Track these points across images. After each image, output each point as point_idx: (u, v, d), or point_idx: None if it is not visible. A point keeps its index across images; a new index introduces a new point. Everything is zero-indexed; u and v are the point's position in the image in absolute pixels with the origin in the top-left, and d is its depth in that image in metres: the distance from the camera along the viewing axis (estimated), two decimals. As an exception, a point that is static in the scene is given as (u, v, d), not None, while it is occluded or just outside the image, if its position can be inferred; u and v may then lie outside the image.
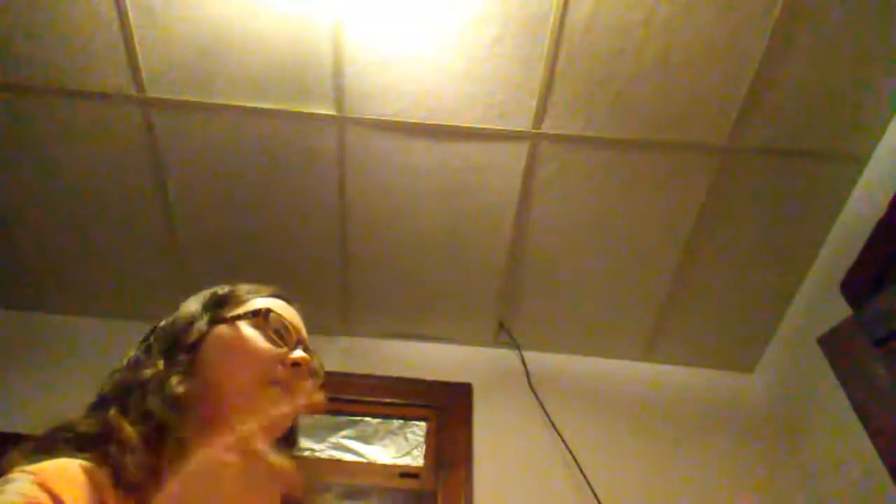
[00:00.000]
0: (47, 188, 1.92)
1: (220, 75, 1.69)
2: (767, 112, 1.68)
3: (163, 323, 0.86)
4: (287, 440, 0.88)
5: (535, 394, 2.03)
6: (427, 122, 1.75)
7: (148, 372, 0.79)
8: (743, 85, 1.64)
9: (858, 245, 1.65)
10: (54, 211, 1.97)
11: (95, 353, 2.04)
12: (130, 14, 1.61)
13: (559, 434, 1.93)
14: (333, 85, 1.70)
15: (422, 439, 2.00)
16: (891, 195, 1.57)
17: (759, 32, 1.57)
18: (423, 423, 2.03)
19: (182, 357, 0.81)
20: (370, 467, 1.92)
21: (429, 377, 2.09)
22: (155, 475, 0.70)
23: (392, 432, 2.01)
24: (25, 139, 1.83)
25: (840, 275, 1.70)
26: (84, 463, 0.68)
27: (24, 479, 0.64)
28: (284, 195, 1.91)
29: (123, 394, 0.78)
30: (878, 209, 1.61)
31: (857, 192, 1.77)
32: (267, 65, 1.67)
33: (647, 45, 1.61)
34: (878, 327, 1.42)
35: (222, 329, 0.84)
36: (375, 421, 2.03)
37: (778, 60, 1.61)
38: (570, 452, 1.89)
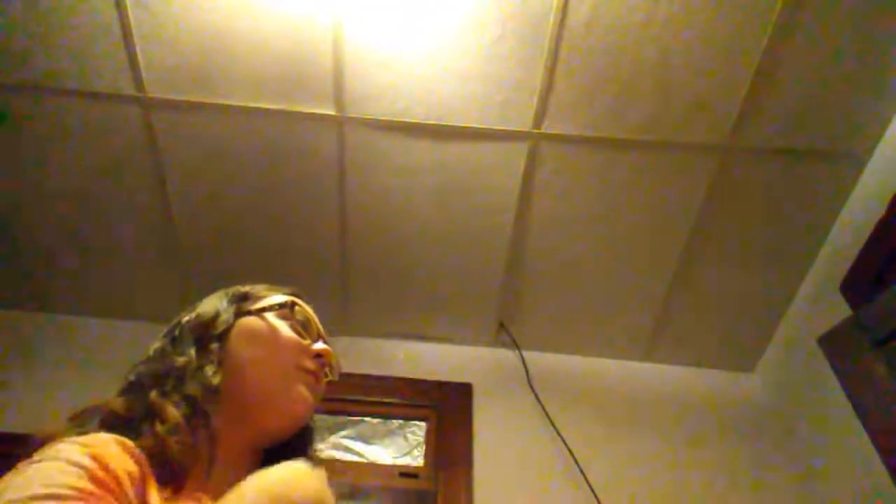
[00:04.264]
0: (47, 188, 1.92)
1: (220, 75, 1.69)
2: (767, 112, 1.68)
3: (186, 317, 0.87)
4: (302, 437, 0.89)
5: (535, 394, 2.03)
6: (427, 122, 1.75)
7: (181, 360, 0.80)
8: (743, 85, 1.64)
9: (858, 245, 1.65)
10: (54, 211, 1.97)
11: (95, 353, 2.04)
12: (130, 14, 1.61)
13: (559, 434, 1.93)
14: (333, 85, 1.70)
15: (422, 439, 2.00)
16: (891, 195, 1.57)
17: (759, 32, 1.57)
18: (423, 423, 2.03)
19: (213, 346, 0.82)
20: (370, 467, 1.92)
21: (429, 377, 2.09)
22: (194, 458, 0.71)
23: (392, 432, 2.01)
24: (25, 139, 1.83)
25: (840, 275, 1.70)
26: (121, 439, 0.68)
27: (77, 450, 0.62)
28: (284, 195, 1.91)
29: (159, 380, 0.78)
30: (878, 209, 1.61)
31: (857, 192, 1.77)
32: (267, 65, 1.67)
33: (647, 45, 1.61)
34: (878, 327, 1.41)
35: (250, 320, 0.86)
36: (375, 421, 2.03)
37: (778, 60, 1.61)
38: (570, 452, 1.89)
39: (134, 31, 1.63)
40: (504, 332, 2.14)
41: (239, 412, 0.79)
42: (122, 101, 1.75)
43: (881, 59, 1.60)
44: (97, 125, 1.79)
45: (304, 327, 0.89)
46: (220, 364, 0.80)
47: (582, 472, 1.85)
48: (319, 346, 0.88)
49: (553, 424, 1.96)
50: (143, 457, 0.67)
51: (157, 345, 0.85)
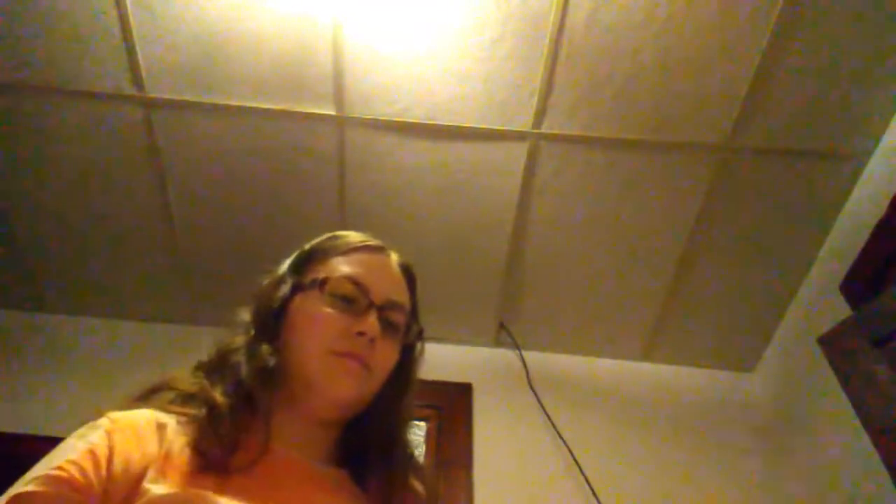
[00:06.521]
0: (47, 188, 1.92)
1: (220, 75, 1.69)
2: (767, 112, 1.68)
3: (265, 280, 0.86)
4: (386, 421, 0.88)
5: (535, 394, 2.03)
6: (427, 122, 1.75)
7: (240, 339, 0.79)
8: (743, 85, 1.64)
9: (858, 245, 1.65)
10: (54, 211, 1.96)
11: (95, 353, 2.04)
12: (130, 14, 1.61)
13: (559, 434, 1.93)
14: (333, 85, 1.70)
15: (422, 439, 1.99)
16: (891, 195, 1.57)
17: (759, 32, 1.57)
18: (423, 423, 2.03)
19: (269, 323, 0.80)
20: (370, 467, 1.92)
21: (429, 377, 2.08)
22: (233, 448, 0.69)
23: (392, 432, 2.01)
24: (25, 139, 1.83)
25: (840, 275, 1.70)
26: (162, 417, 0.69)
27: (102, 426, 0.66)
28: (284, 195, 1.91)
29: (219, 360, 0.78)
30: (878, 209, 1.61)
31: (857, 192, 1.77)
32: (267, 65, 1.67)
33: (647, 45, 1.61)
34: (878, 327, 1.41)
35: (296, 299, 0.82)
36: (376, 421, 2.03)
37: (778, 60, 1.61)
38: (570, 452, 1.89)
39: (134, 31, 1.63)
40: (504, 332, 2.14)
41: (288, 394, 0.77)
42: (122, 101, 1.75)
43: (881, 59, 1.60)
44: (97, 125, 1.79)
45: (346, 300, 0.80)
46: (276, 343, 0.78)
47: (582, 472, 1.85)
48: (363, 322, 0.79)
49: (553, 424, 1.96)
50: (182, 434, 0.68)
51: (243, 316, 0.83)
